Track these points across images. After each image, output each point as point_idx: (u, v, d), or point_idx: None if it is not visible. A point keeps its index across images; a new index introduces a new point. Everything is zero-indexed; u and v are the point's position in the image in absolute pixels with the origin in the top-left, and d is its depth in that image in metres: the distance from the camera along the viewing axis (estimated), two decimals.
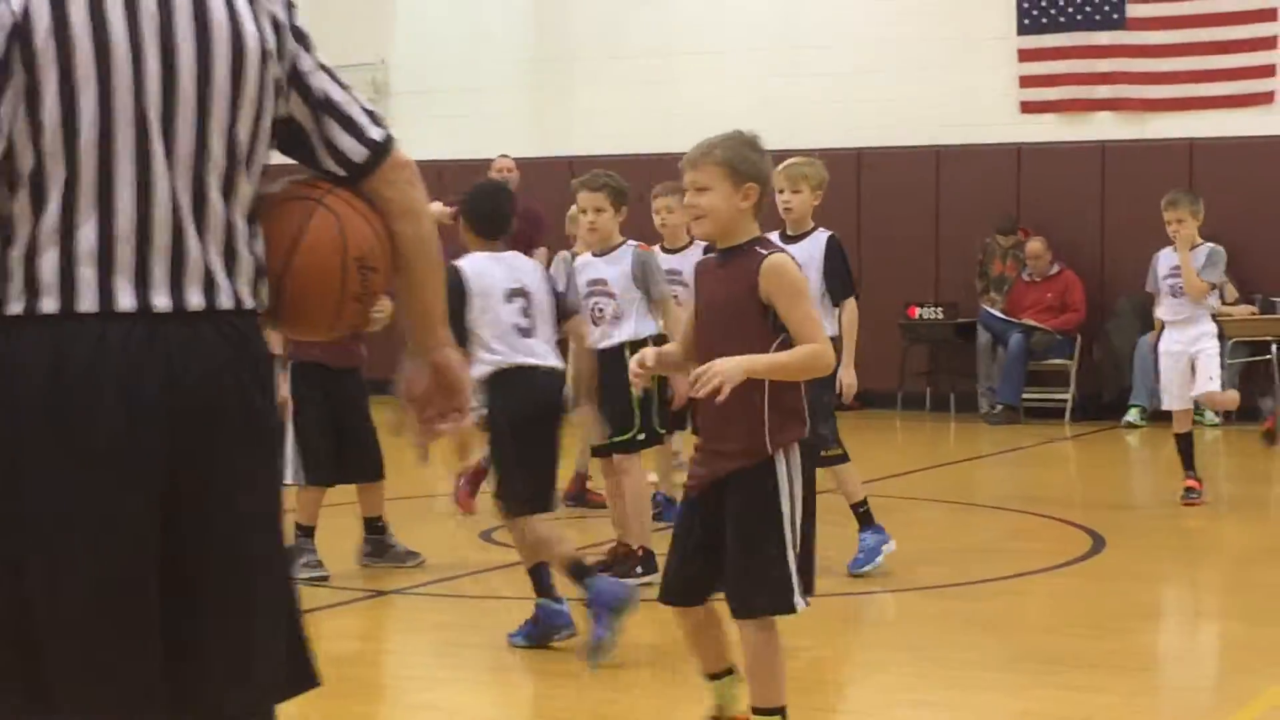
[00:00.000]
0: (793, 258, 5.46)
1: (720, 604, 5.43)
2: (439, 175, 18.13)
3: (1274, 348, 15.83)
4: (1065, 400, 16.45)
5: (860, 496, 8.78)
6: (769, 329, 5.27)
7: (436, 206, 16.14)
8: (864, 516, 8.77)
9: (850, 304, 8.73)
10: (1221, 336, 11.52)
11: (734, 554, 5.28)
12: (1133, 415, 15.88)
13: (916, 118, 17.27)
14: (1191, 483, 11.20)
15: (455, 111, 19.01)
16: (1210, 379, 11.06)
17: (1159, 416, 15.80)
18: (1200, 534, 10.64)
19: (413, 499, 11.67)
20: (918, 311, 17.18)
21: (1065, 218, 16.88)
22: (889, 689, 6.81)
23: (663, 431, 9.00)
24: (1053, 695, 6.47)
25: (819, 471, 7.58)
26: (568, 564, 7.06)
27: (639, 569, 8.49)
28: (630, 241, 8.85)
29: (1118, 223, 16.68)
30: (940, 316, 17.06)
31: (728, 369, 5.07)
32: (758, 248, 5.34)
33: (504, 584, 9.01)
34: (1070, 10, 16.96)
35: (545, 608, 7.21)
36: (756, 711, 5.37)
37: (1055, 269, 16.71)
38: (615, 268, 8.76)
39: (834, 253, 8.62)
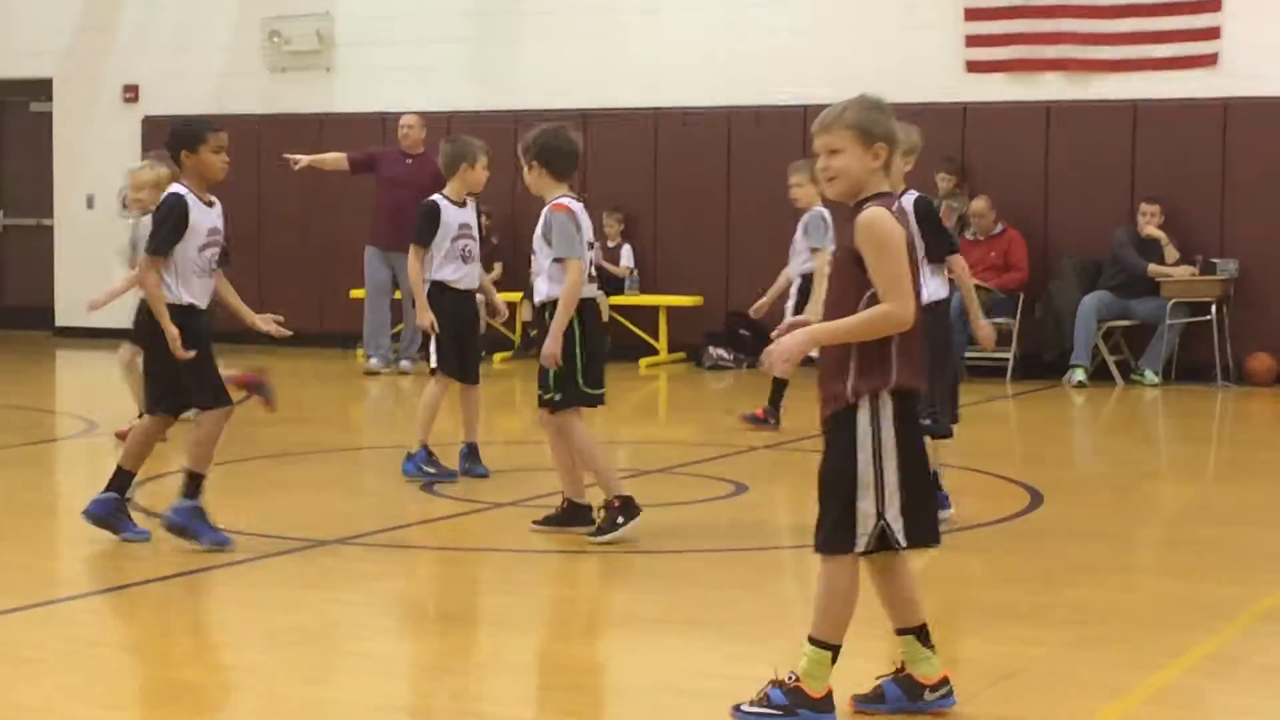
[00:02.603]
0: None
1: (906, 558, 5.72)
2: (383, 126, 18.13)
3: (1213, 308, 15.92)
4: (1007, 359, 16.51)
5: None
6: (861, 283, 5.38)
7: (333, 155, 16.62)
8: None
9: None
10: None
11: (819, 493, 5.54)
12: (1079, 375, 15.95)
13: (862, 76, 17.09)
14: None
15: (400, 64, 18.89)
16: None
17: (1099, 376, 15.95)
18: (1137, 492, 10.73)
19: (366, 450, 11.68)
20: None
21: (1010, 177, 16.91)
22: None
23: (595, 392, 8.61)
24: (987, 647, 6.53)
25: None
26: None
27: (620, 519, 8.43)
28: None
29: (1062, 183, 16.75)
30: None
31: (786, 349, 5.39)
32: (868, 202, 5.45)
33: (448, 535, 9.03)
34: None
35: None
36: (811, 641, 5.64)
37: (999, 228, 16.74)
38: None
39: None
